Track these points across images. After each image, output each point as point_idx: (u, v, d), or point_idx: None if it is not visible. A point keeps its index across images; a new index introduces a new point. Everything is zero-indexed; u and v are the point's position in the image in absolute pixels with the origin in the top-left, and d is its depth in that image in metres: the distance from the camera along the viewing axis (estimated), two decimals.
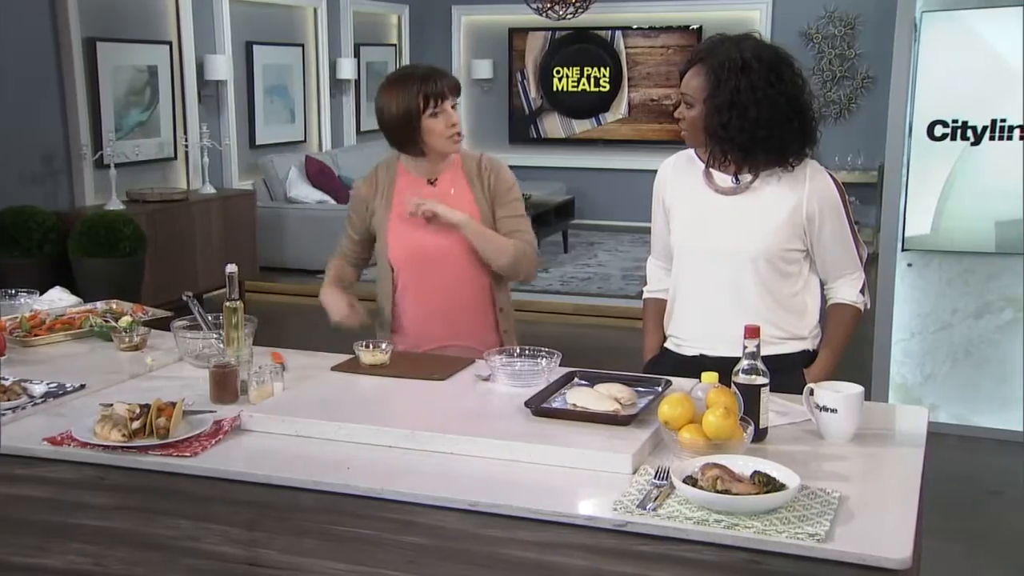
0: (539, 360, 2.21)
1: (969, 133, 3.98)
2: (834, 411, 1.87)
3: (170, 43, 6.70)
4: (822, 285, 2.35)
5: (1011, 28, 3.88)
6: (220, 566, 1.80)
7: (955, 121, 3.99)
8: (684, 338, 2.34)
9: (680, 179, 2.35)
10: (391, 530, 1.70)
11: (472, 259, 2.54)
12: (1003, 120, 3.93)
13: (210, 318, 2.41)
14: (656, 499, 1.60)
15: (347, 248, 2.74)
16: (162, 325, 2.60)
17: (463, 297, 2.58)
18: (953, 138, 4.00)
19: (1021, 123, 3.89)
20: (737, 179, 2.25)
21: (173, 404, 1.93)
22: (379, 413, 2.02)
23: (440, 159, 2.56)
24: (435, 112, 2.45)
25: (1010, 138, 3.93)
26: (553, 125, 9.59)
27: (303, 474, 1.76)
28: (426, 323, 2.59)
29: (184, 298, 2.48)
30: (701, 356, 2.28)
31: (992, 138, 3.95)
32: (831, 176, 2.26)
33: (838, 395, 1.88)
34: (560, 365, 2.22)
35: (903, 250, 4.20)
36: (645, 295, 2.53)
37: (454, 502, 1.65)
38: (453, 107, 2.48)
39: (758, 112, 2.13)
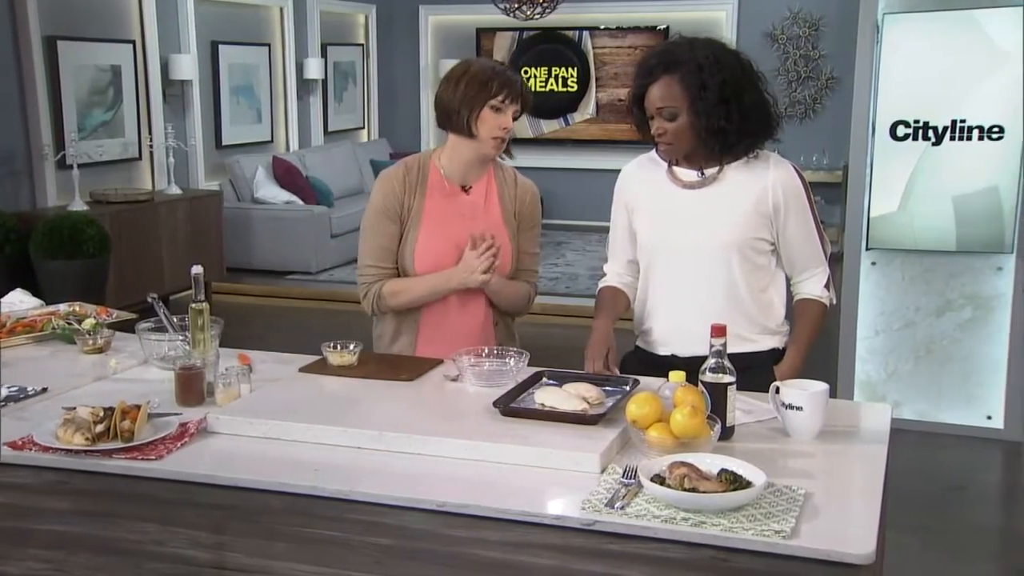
0: (507, 360, 2.21)
1: (930, 133, 4.04)
2: (799, 409, 1.89)
3: (133, 42, 6.63)
4: (788, 282, 2.38)
5: (969, 30, 3.95)
6: (186, 570, 1.78)
7: (916, 121, 4.05)
8: (655, 338, 2.35)
9: (643, 179, 2.36)
10: (359, 531, 1.69)
11: (500, 267, 2.43)
12: (963, 121, 3.99)
13: (176, 320, 2.39)
14: (624, 498, 1.61)
15: (388, 268, 2.48)
16: (127, 327, 2.58)
17: (485, 304, 2.48)
18: (915, 138, 4.06)
19: (980, 124, 3.96)
20: (702, 172, 2.27)
21: (138, 407, 1.90)
22: (347, 414, 2.01)
23: (477, 159, 2.45)
24: (498, 107, 2.35)
25: (969, 138, 3.99)
26: (521, 125, 9.59)
27: (270, 476, 1.75)
28: (448, 330, 2.47)
29: (149, 300, 2.46)
30: (672, 356, 2.30)
31: (952, 138, 4.01)
32: (795, 168, 2.29)
33: (803, 393, 1.90)
34: (528, 365, 2.23)
35: (867, 249, 4.26)
36: (600, 286, 2.50)
37: (422, 503, 1.65)
38: (515, 118, 2.40)
39: (751, 96, 2.18)
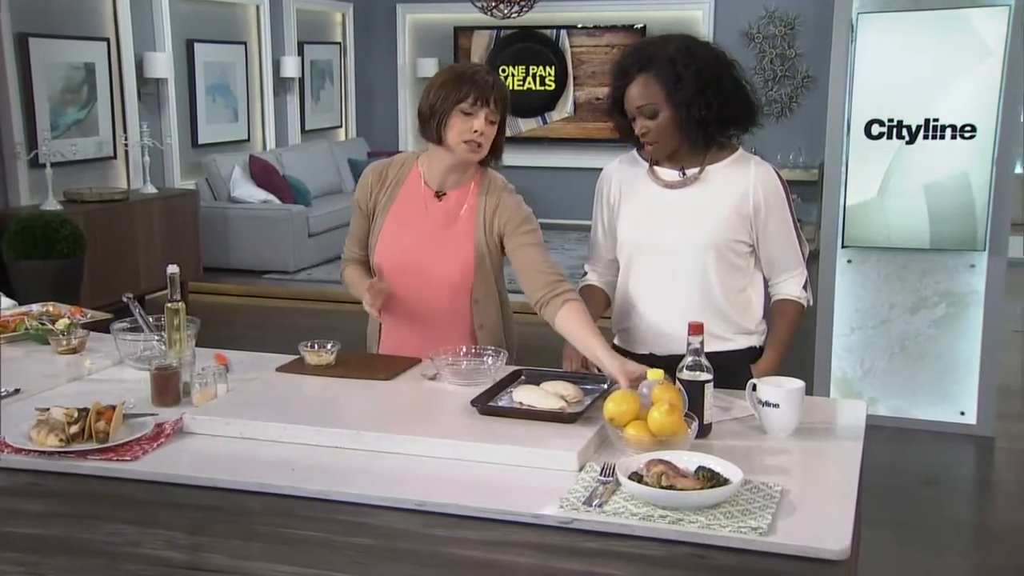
0: (485, 359, 2.21)
1: (904, 132, 4.08)
2: (776, 406, 1.90)
3: (107, 40, 6.56)
4: (766, 282, 2.39)
5: (943, 29, 3.99)
6: (163, 571, 1.76)
7: (891, 120, 4.09)
8: (633, 337, 2.36)
9: (624, 179, 2.36)
10: (338, 531, 1.69)
11: (453, 278, 2.40)
12: (936, 120, 4.03)
13: (151, 320, 2.37)
14: (602, 496, 1.61)
15: (356, 252, 2.54)
16: (102, 328, 2.56)
17: (443, 312, 2.42)
18: (889, 137, 4.10)
19: (953, 122, 4.00)
20: (683, 172, 2.28)
21: (113, 407, 1.89)
22: (325, 414, 2.01)
23: (456, 164, 2.38)
24: (468, 111, 2.29)
25: (943, 137, 4.03)
26: None
27: (248, 476, 1.74)
28: (404, 333, 2.46)
29: (124, 300, 2.44)
30: (650, 355, 2.30)
31: (926, 137, 4.05)
32: (775, 170, 2.30)
33: (780, 390, 1.91)
34: (506, 363, 2.23)
35: (843, 247, 4.29)
36: (580, 285, 2.46)
37: (401, 502, 1.65)
38: (492, 122, 2.31)
39: (728, 83, 2.19)
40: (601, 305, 2.42)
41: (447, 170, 2.41)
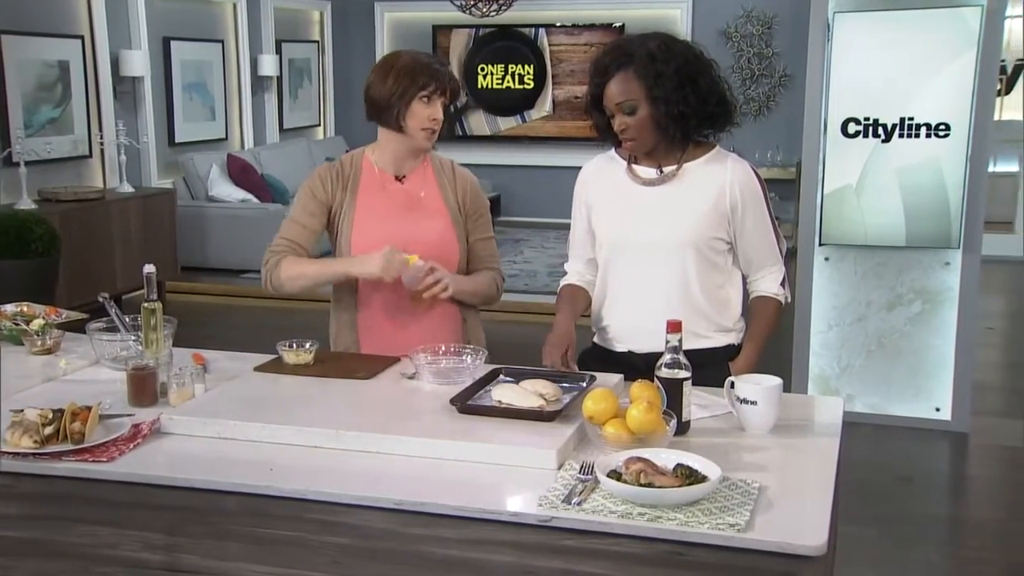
0: (464, 357, 2.21)
1: (880, 130, 4.11)
2: (754, 403, 1.91)
3: (82, 37, 6.50)
4: (744, 280, 2.40)
5: (917, 29, 4.02)
6: (139, 573, 1.76)
7: (867, 119, 4.12)
8: (612, 334, 2.37)
9: (603, 178, 2.37)
10: (316, 531, 1.68)
11: (439, 256, 2.43)
12: (911, 118, 4.06)
13: (128, 320, 2.35)
14: (581, 494, 1.61)
15: (294, 243, 2.51)
16: (77, 328, 2.53)
17: (442, 306, 2.44)
18: (865, 135, 4.13)
19: (928, 121, 4.04)
20: (661, 170, 2.28)
21: (88, 408, 1.87)
22: (303, 413, 2.00)
23: (412, 149, 2.47)
24: (426, 97, 2.38)
25: (918, 136, 4.07)
26: (478, 122, 9.59)
27: (225, 477, 1.73)
28: (392, 327, 2.46)
29: (100, 299, 2.42)
30: (629, 352, 2.31)
31: (901, 135, 4.09)
32: (752, 168, 2.31)
33: (758, 387, 1.92)
34: (485, 362, 2.23)
35: (820, 244, 4.32)
36: (561, 284, 2.49)
37: (379, 501, 1.65)
38: (445, 108, 2.43)
39: (706, 80, 2.21)
40: (582, 303, 2.43)
41: (403, 155, 2.49)
